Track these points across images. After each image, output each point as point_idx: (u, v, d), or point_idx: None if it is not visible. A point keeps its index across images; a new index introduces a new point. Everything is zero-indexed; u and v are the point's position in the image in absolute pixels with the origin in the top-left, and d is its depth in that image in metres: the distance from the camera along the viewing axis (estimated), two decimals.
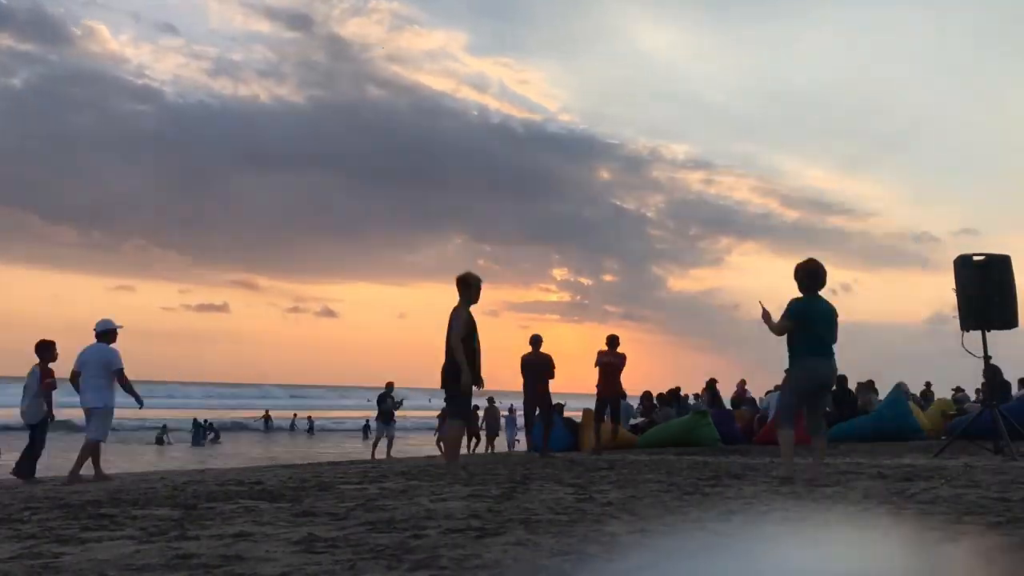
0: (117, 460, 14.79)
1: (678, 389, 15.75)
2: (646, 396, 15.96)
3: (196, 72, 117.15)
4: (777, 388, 15.28)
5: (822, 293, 5.89)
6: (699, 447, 11.75)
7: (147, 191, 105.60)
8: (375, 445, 17.28)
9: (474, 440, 19.45)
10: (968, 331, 7.59)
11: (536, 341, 10.95)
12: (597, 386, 11.23)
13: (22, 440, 8.93)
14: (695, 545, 3.06)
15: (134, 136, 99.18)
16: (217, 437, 27.18)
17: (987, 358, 7.61)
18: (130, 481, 7.59)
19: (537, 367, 10.81)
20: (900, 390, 13.99)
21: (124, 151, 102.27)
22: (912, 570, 2.53)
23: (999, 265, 7.63)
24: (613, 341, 11.26)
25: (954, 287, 7.76)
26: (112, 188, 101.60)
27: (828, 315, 5.82)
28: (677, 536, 3.25)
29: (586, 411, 13.97)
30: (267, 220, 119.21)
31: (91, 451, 8.32)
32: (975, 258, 7.64)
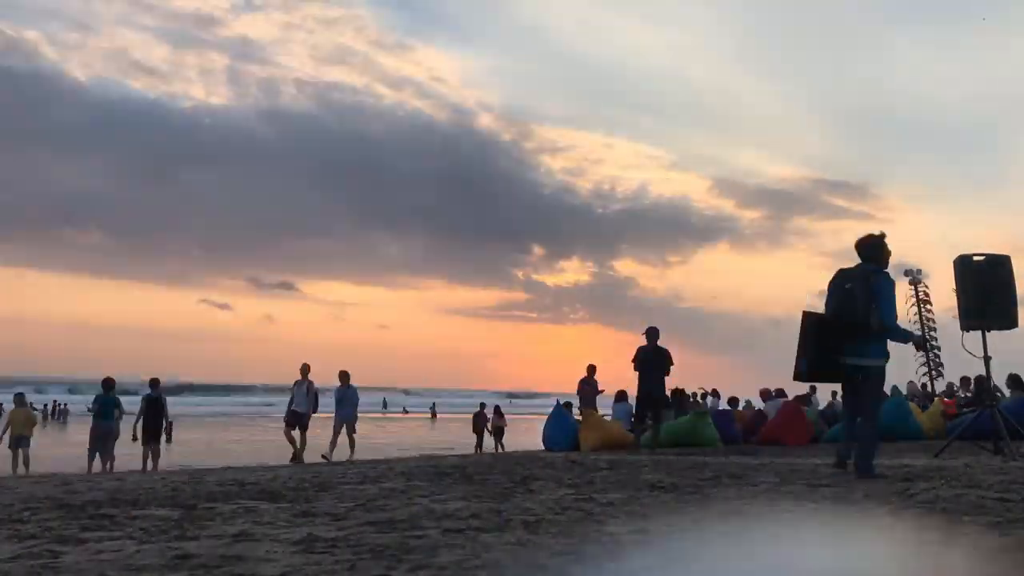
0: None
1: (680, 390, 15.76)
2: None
3: (112, 71, 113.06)
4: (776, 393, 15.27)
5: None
6: (699, 447, 11.75)
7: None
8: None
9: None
10: (968, 331, 7.58)
11: (652, 334, 10.83)
12: None
13: None
14: (695, 546, 3.06)
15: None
16: None
17: (987, 358, 7.61)
18: (130, 481, 7.59)
19: (654, 360, 10.74)
20: (899, 391, 14.00)
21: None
22: (912, 570, 2.53)
23: (999, 265, 7.62)
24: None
25: (954, 287, 7.76)
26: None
27: None
28: (677, 536, 3.25)
29: (586, 411, 13.98)
30: (215, 219, 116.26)
31: None
32: (975, 258, 7.64)
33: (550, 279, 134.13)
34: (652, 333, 10.85)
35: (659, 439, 11.05)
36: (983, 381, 9.11)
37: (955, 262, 7.73)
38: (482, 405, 21.40)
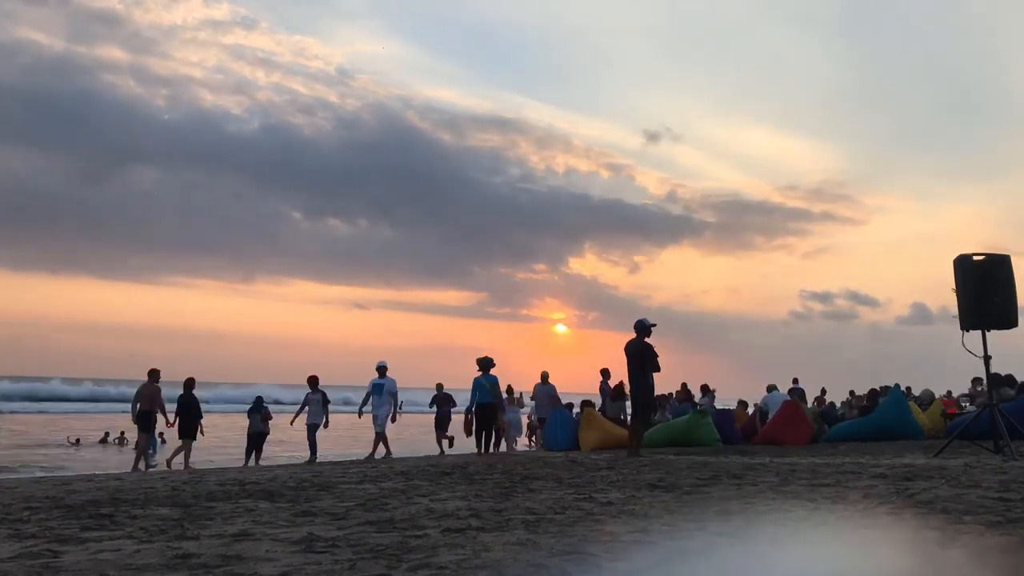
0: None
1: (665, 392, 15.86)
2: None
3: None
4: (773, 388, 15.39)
5: None
6: (699, 447, 11.75)
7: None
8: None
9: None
10: (968, 331, 7.58)
11: (637, 327, 9.91)
12: None
13: None
14: (695, 545, 3.06)
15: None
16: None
17: (987, 358, 7.61)
18: (130, 481, 7.59)
19: (633, 357, 9.84)
20: (900, 391, 14.01)
21: None
22: (911, 570, 2.53)
23: (999, 265, 7.62)
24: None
25: (954, 287, 7.76)
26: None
27: None
28: (677, 536, 3.25)
29: (587, 410, 13.97)
30: (165, 220, 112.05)
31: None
32: (975, 258, 7.63)
33: (517, 276, 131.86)
34: (637, 327, 9.95)
35: (642, 440, 10.37)
36: (980, 382, 9.13)
37: (955, 262, 7.73)
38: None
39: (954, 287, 7.76)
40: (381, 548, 3.02)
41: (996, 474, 5.62)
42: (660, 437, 12.92)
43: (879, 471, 6.14)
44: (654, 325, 10.01)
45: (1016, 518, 3.50)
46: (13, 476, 11.10)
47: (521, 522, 3.67)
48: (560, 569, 2.59)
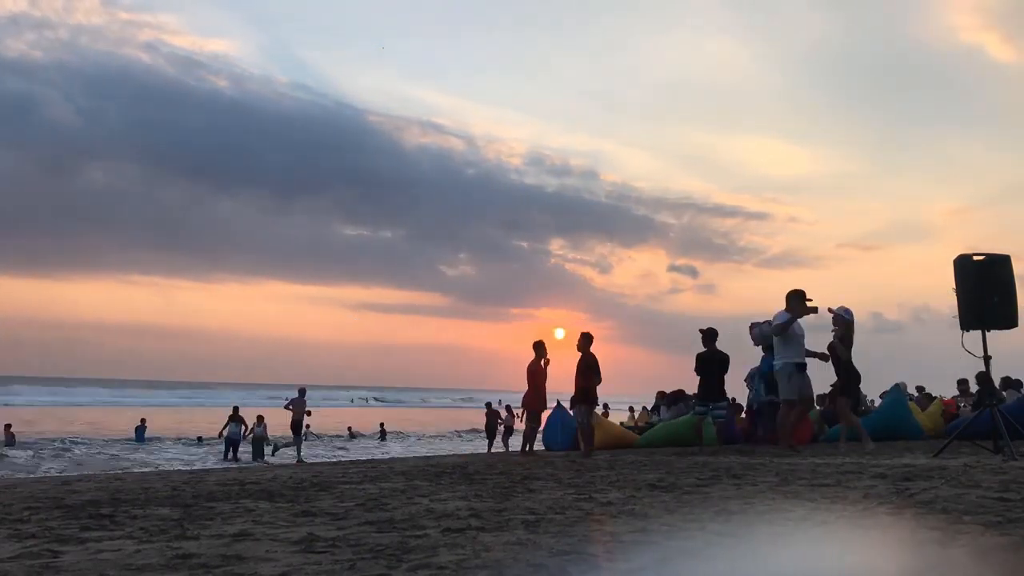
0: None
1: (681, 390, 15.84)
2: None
3: None
4: None
5: None
6: (698, 446, 11.74)
7: None
8: None
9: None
10: (968, 331, 7.58)
11: (710, 335, 10.66)
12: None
13: None
14: (695, 545, 3.06)
15: None
16: None
17: (987, 358, 7.61)
18: (130, 481, 7.59)
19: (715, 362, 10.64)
20: (900, 390, 13.99)
21: None
22: (911, 570, 2.53)
23: (999, 264, 7.62)
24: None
25: (954, 287, 7.75)
26: None
27: None
28: (677, 536, 3.25)
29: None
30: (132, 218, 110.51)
31: None
32: (975, 257, 7.63)
33: (484, 274, 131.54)
34: (712, 336, 10.66)
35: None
36: (984, 379, 9.11)
37: (955, 261, 7.72)
38: (488, 404, 21.30)
39: (954, 287, 7.76)
40: (381, 548, 3.02)
41: (996, 474, 5.61)
42: (660, 437, 12.91)
43: (879, 471, 6.14)
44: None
45: (1016, 518, 3.49)
46: (13, 475, 11.10)
47: (521, 522, 3.67)
48: (560, 569, 2.59)
